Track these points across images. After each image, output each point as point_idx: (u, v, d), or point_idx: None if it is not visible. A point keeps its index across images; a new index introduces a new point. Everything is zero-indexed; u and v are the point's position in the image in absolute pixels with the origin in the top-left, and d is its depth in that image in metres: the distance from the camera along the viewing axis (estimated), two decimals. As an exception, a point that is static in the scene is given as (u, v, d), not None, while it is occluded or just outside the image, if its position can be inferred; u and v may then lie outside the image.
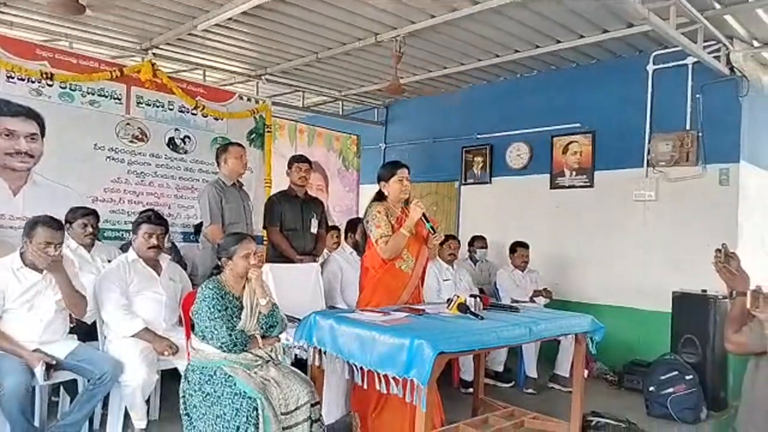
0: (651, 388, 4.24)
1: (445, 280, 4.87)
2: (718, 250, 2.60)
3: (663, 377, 4.21)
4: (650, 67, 5.25)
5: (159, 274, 3.44)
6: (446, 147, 6.99)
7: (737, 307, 2.53)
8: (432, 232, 3.41)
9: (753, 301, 2.32)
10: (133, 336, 3.20)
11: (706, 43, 4.60)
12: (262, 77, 6.52)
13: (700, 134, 4.97)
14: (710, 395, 4.27)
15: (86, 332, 3.35)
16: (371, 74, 6.43)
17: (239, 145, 4.40)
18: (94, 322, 3.32)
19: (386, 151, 7.80)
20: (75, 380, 3.12)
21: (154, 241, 3.37)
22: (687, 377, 4.17)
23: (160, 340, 3.24)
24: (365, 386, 2.69)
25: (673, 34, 4.16)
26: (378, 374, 2.58)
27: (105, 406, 3.17)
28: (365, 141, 7.46)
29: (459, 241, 5.32)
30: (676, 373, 4.20)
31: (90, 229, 3.78)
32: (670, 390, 4.15)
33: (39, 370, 2.83)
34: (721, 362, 4.42)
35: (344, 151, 7.12)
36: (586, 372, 3.66)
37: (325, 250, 4.93)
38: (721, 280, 2.66)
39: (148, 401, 3.17)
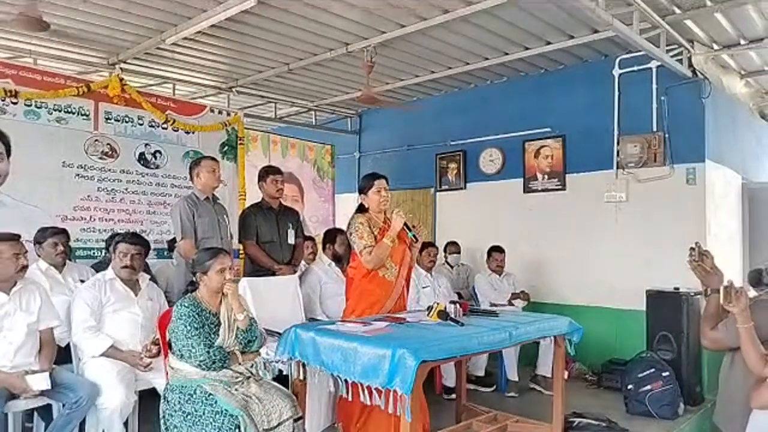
0: (629, 386, 4.31)
1: (424, 287, 4.87)
2: (692, 249, 2.64)
3: (640, 375, 4.28)
4: (616, 71, 5.37)
5: (137, 294, 3.37)
6: (420, 154, 7.03)
7: (712, 304, 2.59)
8: (415, 240, 3.45)
9: (725, 296, 2.37)
10: (102, 354, 3.12)
11: (668, 47, 4.73)
12: (233, 89, 6.47)
13: (666, 135, 5.10)
14: (686, 390, 4.36)
15: (60, 354, 3.25)
16: (343, 84, 6.44)
17: (212, 158, 4.32)
18: (68, 345, 3.24)
19: (361, 160, 7.81)
20: (49, 405, 3.02)
21: (127, 261, 3.30)
22: (663, 374, 4.24)
23: (130, 354, 3.17)
24: (350, 398, 2.68)
25: (636, 39, 4.27)
26: (362, 385, 2.57)
27: (82, 430, 3.08)
28: (339, 150, 7.45)
29: (437, 248, 5.34)
30: (653, 370, 4.28)
31: (61, 248, 3.68)
32: (648, 387, 4.21)
33: (40, 381, 2.78)
34: (696, 358, 4.52)
35: (318, 161, 7.10)
36: (565, 373, 3.70)
37: (303, 262, 4.90)
38: (694, 277, 2.73)
39: (126, 424, 3.08)
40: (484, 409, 3.70)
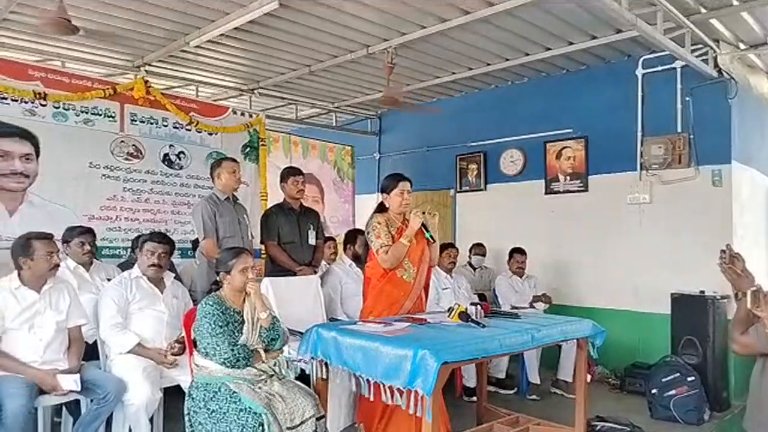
0: (653, 391, 4.25)
1: (443, 289, 4.86)
2: (723, 251, 2.59)
3: (665, 379, 4.23)
4: (639, 72, 5.30)
5: (162, 292, 3.43)
6: (440, 155, 7.02)
7: (743, 309, 2.52)
8: (432, 240, 3.44)
9: (753, 300, 2.32)
10: (128, 351, 3.19)
11: (693, 47, 4.66)
12: (255, 91, 6.53)
13: (691, 136, 5.01)
14: (712, 396, 4.29)
15: (87, 351, 3.32)
16: (364, 85, 6.46)
17: (232, 159, 4.38)
18: (95, 341, 3.31)
19: (380, 161, 7.83)
20: (78, 401, 3.09)
21: (154, 259, 3.37)
22: (689, 379, 4.18)
23: (155, 351, 3.24)
24: (371, 398, 2.69)
25: (660, 39, 4.22)
26: (383, 385, 2.58)
27: (108, 426, 3.13)
28: (359, 151, 7.48)
29: (457, 249, 5.33)
30: (678, 374, 4.22)
31: (87, 248, 3.75)
32: (673, 392, 4.16)
33: (70, 381, 2.85)
34: (722, 362, 4.44)
35: (339, 162, 7.14)
36: (588, 376, 3.67)
37: (323, 262, 4.93)
38: (720, 280, 2.68)
39: (151, 420, 3.14)
40: (505, 411, 3.69)
